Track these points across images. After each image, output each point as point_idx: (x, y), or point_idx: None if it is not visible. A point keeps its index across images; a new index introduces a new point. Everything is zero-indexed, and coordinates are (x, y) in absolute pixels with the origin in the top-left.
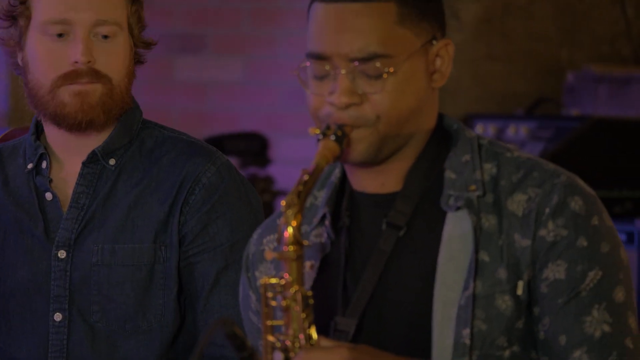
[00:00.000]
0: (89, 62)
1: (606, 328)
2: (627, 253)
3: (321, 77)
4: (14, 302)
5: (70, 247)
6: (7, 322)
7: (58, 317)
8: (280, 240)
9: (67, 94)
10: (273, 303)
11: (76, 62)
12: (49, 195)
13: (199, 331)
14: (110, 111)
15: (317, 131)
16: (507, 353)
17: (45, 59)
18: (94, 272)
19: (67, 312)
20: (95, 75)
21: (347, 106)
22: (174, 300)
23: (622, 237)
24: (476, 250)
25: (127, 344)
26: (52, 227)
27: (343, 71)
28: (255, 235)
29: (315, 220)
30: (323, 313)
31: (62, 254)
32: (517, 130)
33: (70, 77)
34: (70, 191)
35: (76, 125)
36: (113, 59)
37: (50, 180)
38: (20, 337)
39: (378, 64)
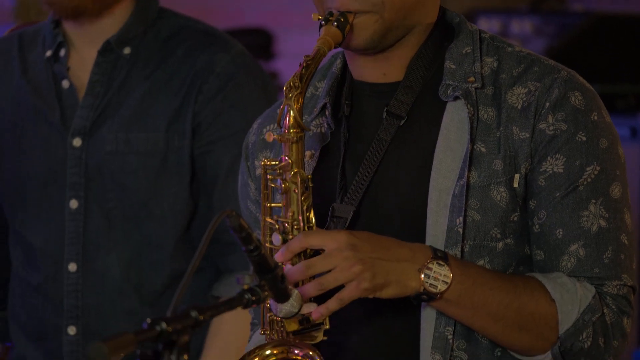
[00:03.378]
0: None
1: (603, 223)
2: (630, 147)
3: None
4: (30, 190)
5: (86, 135)
6: (23, 210)
7: (74, 204)
8: (281, 122)
9: None
10: (273, 185)
11: None
12: (65, 83)
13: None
14: None
15: (320, 17)
16: (500, 245)
17: None
18: (108, 160)
19: (83, 200)
20: None
21: None
22: (187, 187)
23: (625, 131)
24: (472, 141)
25: (142, 230)
26: (68, 115)
27: None
28: (255, 125)
29: (316, 110)
30: (321, 200)
31: (77, 142)
32: (522, 26)
33: None
34: (86, 79)
35: (64, 11)
36: None
37: (68, 68)
38: (37, 224)
39: None
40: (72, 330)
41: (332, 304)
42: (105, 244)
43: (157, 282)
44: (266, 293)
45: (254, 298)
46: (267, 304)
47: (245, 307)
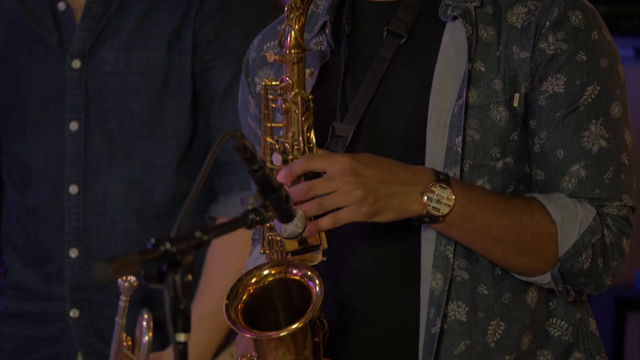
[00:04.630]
0: None
1: (603, 143)
2: (634, 68)
3: None
4: (29, 113)
5: (85, 56)
6: (22, 133)
7: (74, 126)
8: (282, 42)
9: None
10: (273, 105)
11: None
12: (61, 5)
13: (212, 137)
14: None
15: None
16: (500, 164)
17: None
18: (109, 81)
19: (84, 121)
20: None
21: None
22: (188, 107)
23: (629, 52)
24: (471, 60)
25: (144, 150)
26: (65, 37)
27: None
28: (255, 41)
29: (316, 28)
30: (321, 120)
31: (76, 63)
32: None
33: None
34: (83, 1)
35: None
36: None
37: None
38: (36, 147)
39: None
40: (73, 253)
41: (324, 222)
42: (107, 166)
43: (159, 204)
44: (270, 213)
45: (258, 218)
46: (271, 224)
47: (249, 227)
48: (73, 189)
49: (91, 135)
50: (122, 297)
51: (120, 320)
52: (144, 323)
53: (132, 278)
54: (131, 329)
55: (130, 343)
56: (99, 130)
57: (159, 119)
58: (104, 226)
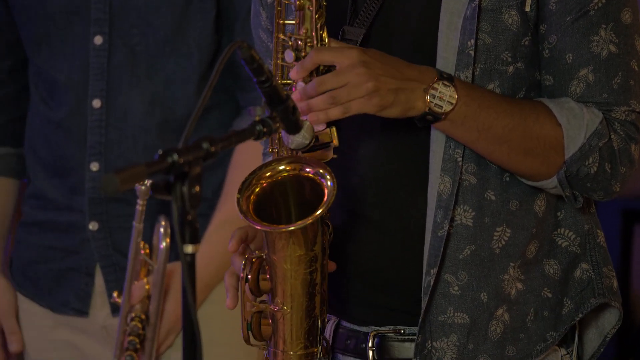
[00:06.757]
0: None
1: (613, 48)
2: None
3: None
4: (53, 26)
5: None
6: (47, 45)
7: (98, 40)
8: None
9: None
10: (287, 2)
11: None
12: None
13: (236, 54)
14: None
15: None
16: (511, 69)
17: None
18: None
19: (108, 36)
20: None
21: None
22: (211, 23)
23: None
24: None
25: (166, 66)
26: None
27: None
28: None
29: None
30: (332, 25)
31: None
32: None
33: None
34: None
35: None
36: None
37: None
38: (61, 60)
39: None
40: (94, 167)
41: (334, 111)
42: (129, 81)
43: (181, 120)
44: (277, 124)
45: (265, 129)
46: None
47: (256, 138)
48: (96, 103)
49: (115, 50)
50: (139, 201)
51: (137, 224)
52: (161, 230)
53: (148, 181)
54: (148, 237)
55: (148, 251)
56: (123, 44)
57: (182, 35)
58: (126, 140)
